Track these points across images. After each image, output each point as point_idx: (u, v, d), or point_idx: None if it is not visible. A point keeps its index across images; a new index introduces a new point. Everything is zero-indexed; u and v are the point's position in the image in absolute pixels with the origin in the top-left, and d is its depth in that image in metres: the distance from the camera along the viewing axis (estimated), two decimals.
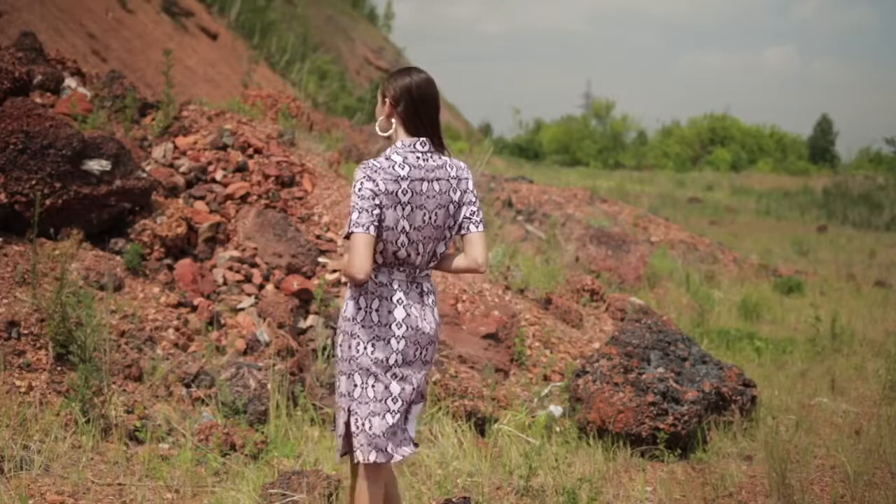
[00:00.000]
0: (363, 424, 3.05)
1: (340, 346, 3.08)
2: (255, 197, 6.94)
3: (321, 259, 6.61)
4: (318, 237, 6.86)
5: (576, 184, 23.97)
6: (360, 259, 2.91)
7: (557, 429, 5.38)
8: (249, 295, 6.20)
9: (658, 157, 50.79)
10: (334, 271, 6.52)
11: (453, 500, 4.06)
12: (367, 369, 3.03)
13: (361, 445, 3.06)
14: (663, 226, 15.10)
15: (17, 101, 5.91)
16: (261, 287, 6.31)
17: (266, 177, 7.14)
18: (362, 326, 3.03)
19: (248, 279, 6.34)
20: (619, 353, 5.47)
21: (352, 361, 3.04)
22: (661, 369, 5.37)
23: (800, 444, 5.09)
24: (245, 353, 5.67)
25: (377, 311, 3.04)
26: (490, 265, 7.90)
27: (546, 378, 6.21)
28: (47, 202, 5.70)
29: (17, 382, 4.66)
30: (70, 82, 7.24)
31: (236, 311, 6.03)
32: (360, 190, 2.96)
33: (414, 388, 3.11)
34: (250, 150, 7.38)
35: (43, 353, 4.90)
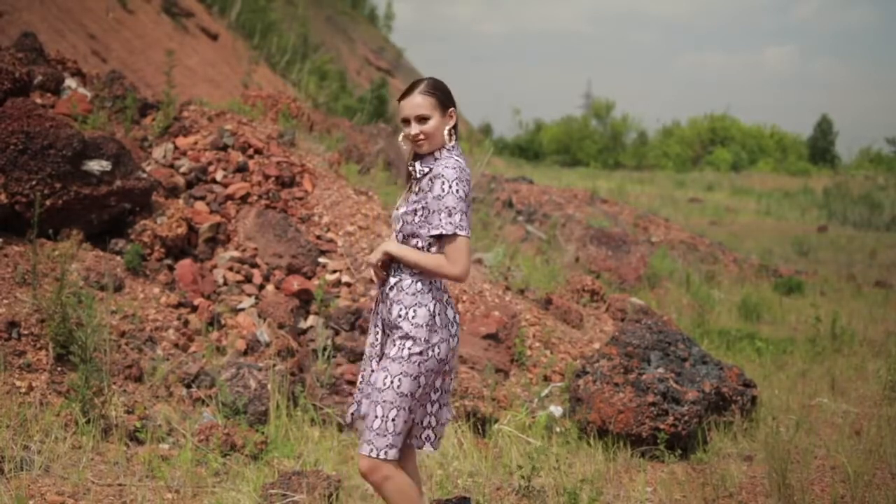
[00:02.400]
0: (428, 420, 3.22)
1: (410, 349, 3.12)
2: (255, 197, 6.94)
3: (321, 259, 6.60)
4: (318, 237, 6.86)
5: (576, 184, 23.99)
6: (468, 261, 3.11)
7: (558, 429, 5.38)
8: (250, 295, 6.20)
9: (658, 158, 50.78)
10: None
11: (453, 499, 4.06)
12: (432, 370, 3.16)
13: (430, 439, 3.24)
14: (663, 226, 15.11)
15: (17, 101, 5.91)
16: (261, 287, 6.32)
17: (266, 177, 7.14)
18: (434, 332, 3.15)
19: (249, 279, 6.34)
20: (620, 353, 5.46)
21: (420, 365, 3.13)
22: (661, 369, 5.36)
23: (800, 445, 5.09)
24: (245, 353, 5.67)
25: (439, 314, 3.17)
26: (490, 265, 7.94)
27: (546, 378, 6.21)
28: (47, 202, 5.70)
29: (18, 383, 4.67)
30: (70, 83, 7.23)
31: (236, 311, 6.04)
32: (457, 191, 3.08)
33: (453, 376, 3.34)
34: (250, 151, 7.38)
35: (43, 353, 4.90)
